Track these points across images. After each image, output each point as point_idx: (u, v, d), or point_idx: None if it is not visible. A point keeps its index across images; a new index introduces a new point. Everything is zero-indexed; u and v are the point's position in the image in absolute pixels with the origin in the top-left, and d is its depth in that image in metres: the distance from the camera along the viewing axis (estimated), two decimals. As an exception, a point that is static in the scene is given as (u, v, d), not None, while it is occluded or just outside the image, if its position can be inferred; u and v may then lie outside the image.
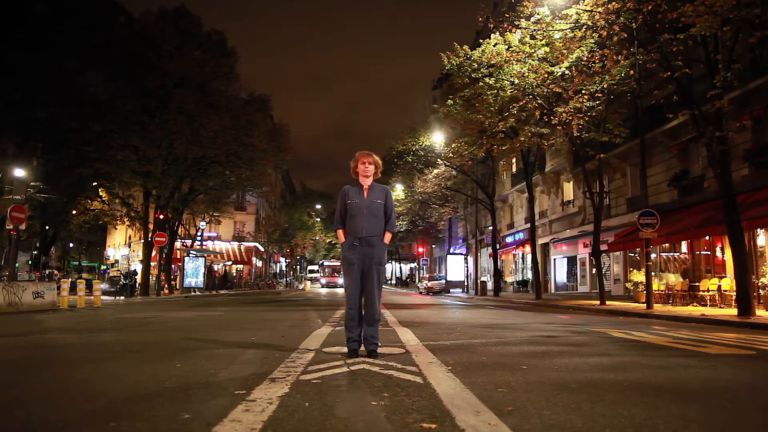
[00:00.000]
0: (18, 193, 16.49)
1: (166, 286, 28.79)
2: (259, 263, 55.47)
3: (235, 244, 48.02)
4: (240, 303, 18.32)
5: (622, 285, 22.28)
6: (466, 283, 38.42)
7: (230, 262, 46.78)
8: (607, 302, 16.43)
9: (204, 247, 38.15)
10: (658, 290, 16.69)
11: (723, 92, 11.14)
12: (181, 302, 19.60)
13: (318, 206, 66.62)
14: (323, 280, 56.90)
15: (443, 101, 22.06)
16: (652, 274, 14.63)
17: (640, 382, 3.81)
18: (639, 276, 18.23)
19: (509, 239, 36.42)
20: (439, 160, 29.96)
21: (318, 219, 66.39)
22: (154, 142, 24.59)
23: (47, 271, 30.90)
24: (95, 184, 28.56)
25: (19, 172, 21.04)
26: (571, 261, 29.74)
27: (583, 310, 14.85)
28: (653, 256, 18.51)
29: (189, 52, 25.83)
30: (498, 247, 30.81)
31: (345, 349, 4.87)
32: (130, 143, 24.08)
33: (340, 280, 32.43)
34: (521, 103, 16.19)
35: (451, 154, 25.72)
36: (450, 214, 41.94)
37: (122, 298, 23.30)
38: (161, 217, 27.61)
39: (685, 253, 19.35)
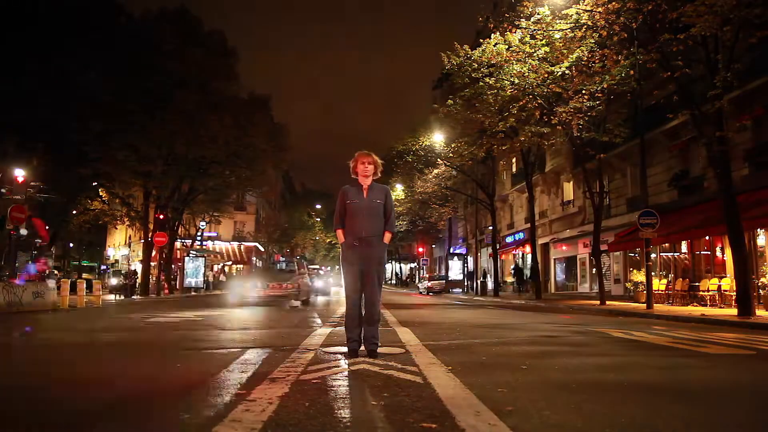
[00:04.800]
0: (18, 193, 16.50)
1: (166, 286, 28.77)
2: (259, 263, 55.45)
3: (235, 244, 48.02)
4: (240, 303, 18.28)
5: (622, 285, 22.28)
6: (465, 283, 38.42)
7: (230, 262, 46.77)
8: (607, 302, 16.43)
9: (204, 247, 38.13)
10: (658, 290, 16.69)
11: (723, 92, 11.12)
12: (181, 302, 19.59)
13: (318, 206, 66.66)
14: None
15: (443, 101, 22.05)
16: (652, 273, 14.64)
17: (640, 382, 3.81)
18: (639, 276, 18.24)
19: (509, 239, 36.40)
20: (439, 160, 29.96)
21: (318, 219, 66.39)
22: (154, 142, 24.57)
23: (47, 271, 30.86)
24: (95, 184, 28.56)
25: (19, 172, 21.04)
26: (571, 261, 29.74)
27: (583, 310, 14.85)
28: (653, 256, 18.51)
29: (189, 52, 25.77)
30: (498, 247, 30.81)
31: (345, 349, 4.87)
32: (130, 143, 24.06)
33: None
34: (521, 103, 16.19)
35: (451, 154, 25.73)
36: (450, 214, 41.93)
37: (122, 297, 23.30)
38: (161, 217, 27.60)
39: (685, 253, 19.35)
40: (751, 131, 15.67)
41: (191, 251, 33.98)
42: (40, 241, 24.83)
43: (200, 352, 5.25)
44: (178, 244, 32.83)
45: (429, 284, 37.51)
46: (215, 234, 44.75)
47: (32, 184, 21.95)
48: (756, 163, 15.52)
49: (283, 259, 29.25)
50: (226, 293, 20.60)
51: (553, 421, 2.65)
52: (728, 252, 14.40)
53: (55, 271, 32.97)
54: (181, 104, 24.12)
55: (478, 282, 32.58)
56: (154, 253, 28.33)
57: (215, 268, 43.03)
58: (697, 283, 16.21)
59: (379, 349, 4.80)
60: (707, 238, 17.36)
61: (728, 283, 14.19)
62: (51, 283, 15.59)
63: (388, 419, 2.63)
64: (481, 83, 16.99)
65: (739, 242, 11.42)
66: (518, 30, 15.59)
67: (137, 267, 29.94)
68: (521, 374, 4.00)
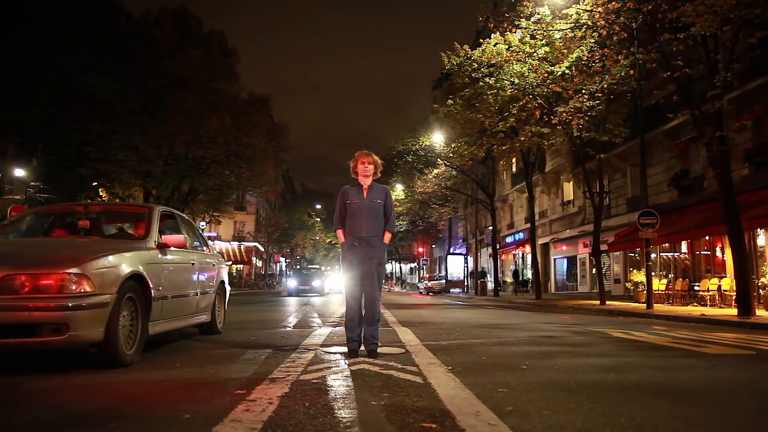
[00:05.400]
0: (18, 193, 16.51)
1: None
2: (259, 263, 55.48)
3: (235, 244, 48.02)
4: (240, 303, 18.31)
5: (622, 285, 22.29)
6: (466, 283, 38.42)
7: (230, 262, 46.75)
8: (607, 302, 16.44)
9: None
10: (658, 290, 16.70)
11: (723, 92, 11.14)
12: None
13: (318, 206, 66.68)
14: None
15: (443, 101, 22.06)
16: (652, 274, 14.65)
17: (640, 382, 3.81)
18: (639, 276, 18.24)
19: (509, 239, 36.41)
20: (439, 160, 29.97)
21: (318, 219, 66.41)
22: (154, 142, 24.59)
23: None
24: (95, 184, 28.56)
25: (19, 172, 21.07)
26: (571, 261, 29.75)
27: (583, 310, 14.85)
28: (653, 256, 18.51)
29: (189, 52, 25.81)
30: (498, 247, 30.82)
31: (345, 349, 4.87)
32: (130, 143, 24.08)
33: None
34: (521, 102, 16.19)
35: (451, 154, 25.73)
36: (450, 214, 41.94)
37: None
38: None
39: (685, 253, 19.36)
40: (751, 131, 15.69)
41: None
42: None
43: (200, 352, 5.24)
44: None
45: (429, 284, 37.53)
46: (215, 234, 44.75)
47: (32, 184, 21.96)
48: (756, 163, 15.53)
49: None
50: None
51: (553, 421, 2.65)
52: (728, 252, 14.41)
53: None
54: (181, 104, 24.12)
55: (478, 282, 32.58)
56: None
57: None
58: (697, 283, 16.22)
59: (379, 349, 4.80)
60: (707, 238, 17.37)
61: (728, 283, 14.19)
62: None
63: (388, 419, 2.63)
64: (481, 83, 16.99)
65: (739, 242, 11.42)
66: (518, 30, 15.59)
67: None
68: (521, 374, 4.00)
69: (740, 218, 11.57)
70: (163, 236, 5.23)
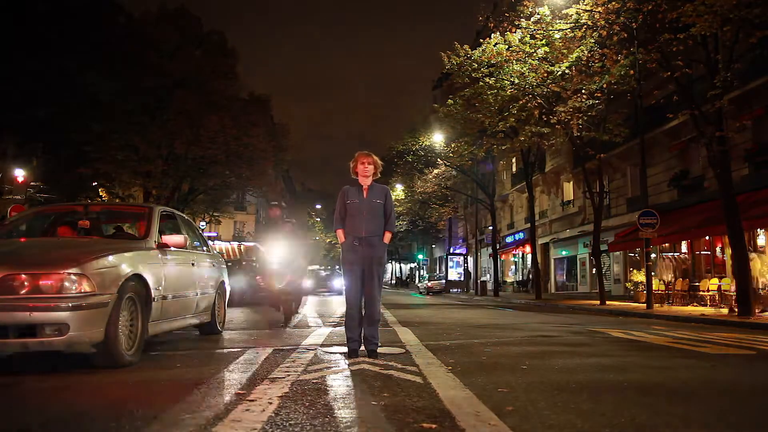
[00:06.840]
0: (18, 193, 16.51)
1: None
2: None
3: (235, 244, 48.02)
4: (239, 303, 18.28)
5: (622, 285, 22.28)
6: (468, 283, 38.42)
7: (230, 263, 46.75)
8: (607, 302, 16.44)
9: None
10: (658, 290, 16.69)
11: (723, 92, 11.14)
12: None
13: (318, 206, 66.71)
14: None
15: (443, 101, 22.07)
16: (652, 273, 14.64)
17: (640, 382, 3.81)
18: (639, 276, 18.24)
19: (509, 239, 36.40)
20: (439, 160, 29.97)
21: (318, 219, 66.42)
22: (154, 142, 24.60)
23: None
24: (95, 184, 28.57)
25: (19, 172, 21.06)
26: (571, 261, 29.73)
27: (583, 310, 14.86)
28: (653, 256, 18.50)
29: (189, 52, 25.82)
30: (498, 247, 30.80)
31: (345, 349, 4.87)
32: (130, 143, 24.10)
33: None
34: (521, 102, 16.21)
35: (451, 154, 25.73)
36: (450, 214, 41.94)
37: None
38: None
39: (685, 253, 19.35)
40: (751, 131, 15.67)
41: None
42: None
43: (200, 352, 5.24)
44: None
45: (429, 284, 37.52)
46: (215, 234, 44.75)
47: (32, 184, 21.95)
48: (756, 163, 15.53)
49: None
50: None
51: (553, 421, 2.65)
52: (728, 252, 14.40)
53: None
54: (181, 104, 24.14)
55: (478, 282, 32.57)
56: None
57: None
58: (697, 283, 16.21)
59: (379, 349, 4.81)
60: (707, 238, 17.35)
61: (728, 283, 14.18)
62: None
63: (388, 419, 2.63)
64: (481, 83, 17.00)
65: (739, 242, 11.43)
66: (518, 30, 15.61)
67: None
68: (521, 374, 4.00)
69: (740, 218, 11.57)
70: (163, 236, 5.22)
